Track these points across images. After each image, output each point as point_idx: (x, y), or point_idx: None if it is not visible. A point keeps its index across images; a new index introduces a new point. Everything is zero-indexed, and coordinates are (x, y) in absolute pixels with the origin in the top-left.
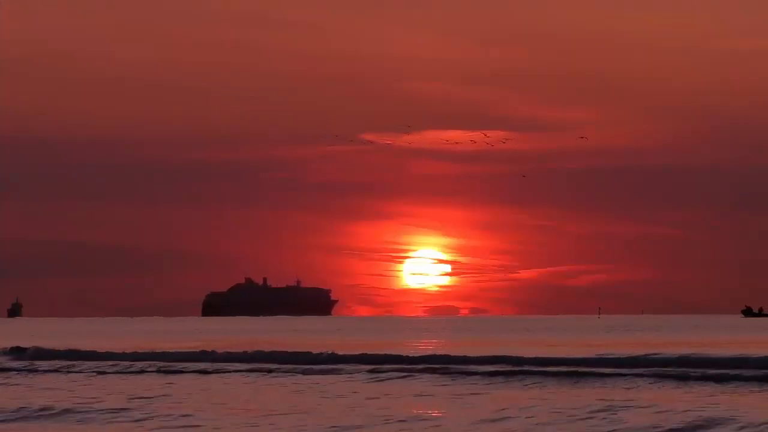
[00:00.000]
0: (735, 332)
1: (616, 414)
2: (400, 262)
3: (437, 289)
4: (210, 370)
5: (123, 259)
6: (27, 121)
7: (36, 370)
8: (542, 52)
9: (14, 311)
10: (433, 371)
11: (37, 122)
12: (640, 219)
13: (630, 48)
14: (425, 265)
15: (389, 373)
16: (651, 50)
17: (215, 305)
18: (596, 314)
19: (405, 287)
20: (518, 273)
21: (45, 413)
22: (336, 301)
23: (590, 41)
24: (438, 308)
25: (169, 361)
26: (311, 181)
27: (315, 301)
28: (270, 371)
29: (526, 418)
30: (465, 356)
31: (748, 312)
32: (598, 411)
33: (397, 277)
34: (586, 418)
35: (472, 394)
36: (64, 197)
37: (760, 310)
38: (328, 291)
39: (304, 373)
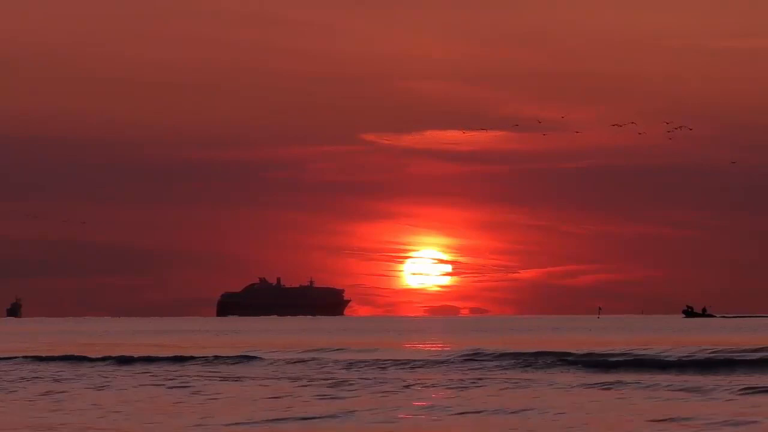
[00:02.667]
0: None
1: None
2: (401, 262)
3: (438, 289)
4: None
5: (124, 259)
6: (27, 121)
7: None
8: (542, 52)
9: (13, 311)
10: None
11: (37, 122)
12: (640, 219)
13: (630, 48)
14: (426, 265)
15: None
16: (651, 50)
17: (230, 305)
18: (596, 314)
19: (406, 287)
20: (518, 273)
21: None
22: (349, 301)
23: (590, 41)
24: (438, 308)
25: None
26: (311, 181)
27: (328, 301)
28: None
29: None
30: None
31: (689, 312)
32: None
33: (398, 277)
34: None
35: None
36: (65, 197)
37: (704, 310)
38: (341, 291)
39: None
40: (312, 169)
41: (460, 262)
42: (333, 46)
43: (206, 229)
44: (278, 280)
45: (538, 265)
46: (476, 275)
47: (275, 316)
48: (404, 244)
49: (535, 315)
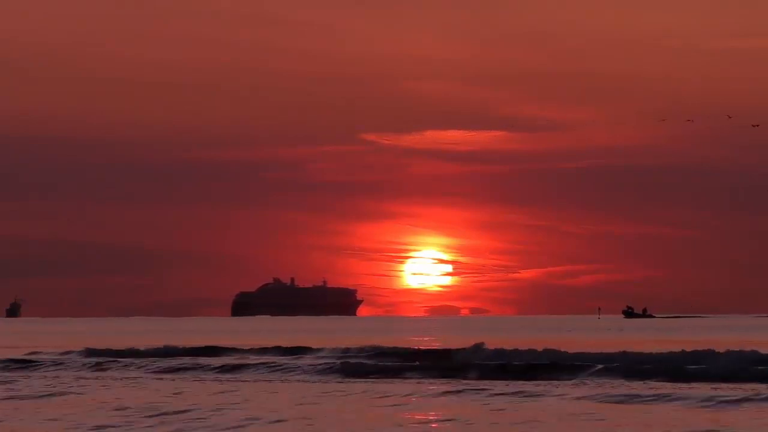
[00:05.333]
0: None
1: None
2: (401, 263)
3: (438, 289)
4: None
5: (124, 259)
6: (27, 121)
7: None
8: (542, 52)
9: (13, 311)
10: None
11: (37, 122)
12: (640, 219)
13: (630, 48)
14: (426, 265)
15: None
16: (651, 50)
17: (244, 305)
18: (596, 314)
19: (406, 287)
20: (518, 273)
21: None
22: (361, 301)
23: (590, 41)
24: (439, 308)
25: None
26: (311, 181)
27: (341, 301)
28: None
29: None
30: None
31: (629, 313)
32: None
33: (399, 277)
34: None
35: None
36: (65, 197)
37: (644, 310)
38: (354, 291)
39: None
40: (312, 169)
41: (460, 262)
42: (333, 46)
43: (206, 229)
44: (292, 280)
45: (538, 265)
46: (476, 275)
47: (271, 317)
48: (405, 244)
49: (535, 315)
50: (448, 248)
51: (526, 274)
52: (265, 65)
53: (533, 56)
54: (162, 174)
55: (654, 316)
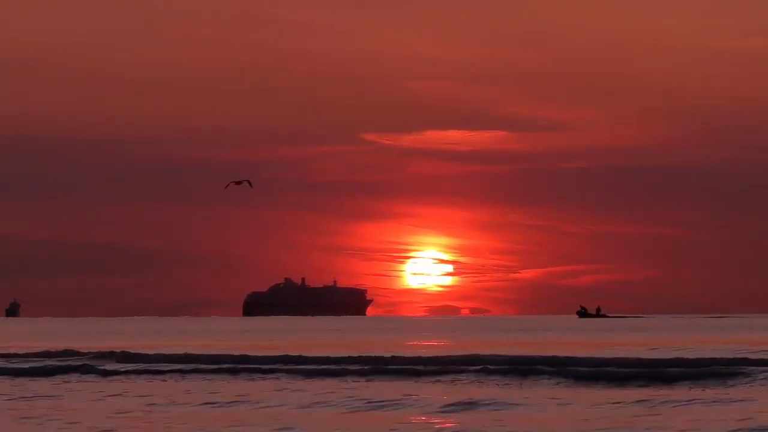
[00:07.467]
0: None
1: None
2: (402, 263)
3: (439, 289)
4: None
5: (124, 259)
6: (27, 121)
7: None
8: (542, 52)
9: (12, 311)
10: None
11: (37, 122)
12: (640, 219)
13: (630, 48)
14: (427, 265)
15: None
16: (651, 50)
17: (256, 305)
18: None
19: (406, 287)
20: (518, 273)
21: None
22: (371, 301)
23: (590, 41)
24: (439, 308)
25: None
26: (311, 181)
27: (351, 302)
28: None
29: None
30: None
31: (582, 313)
32: None
33: (399, 277)
34: None
35: None
36: (65, 197)
37: (598, 310)
38: (364, 291)
39: None
40: (312, 169)
41: (460, 262)
42: (333, 46)
43: (206, 229)
44: (303, 280)
45: (538, 265)
46: (477, 275)
47: (281, 317)
48: (405, 244)
49: (536, 315)
50: (448, 248)
51: (526, 274)
52: (265, 65)
53: (533, 56)
54: (162, 174)
55: (608, 316)
